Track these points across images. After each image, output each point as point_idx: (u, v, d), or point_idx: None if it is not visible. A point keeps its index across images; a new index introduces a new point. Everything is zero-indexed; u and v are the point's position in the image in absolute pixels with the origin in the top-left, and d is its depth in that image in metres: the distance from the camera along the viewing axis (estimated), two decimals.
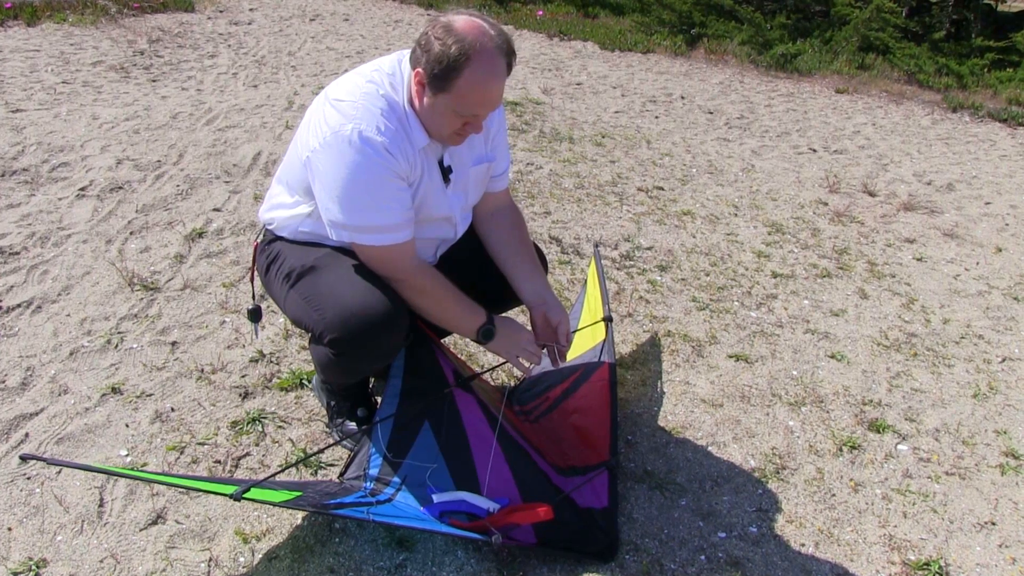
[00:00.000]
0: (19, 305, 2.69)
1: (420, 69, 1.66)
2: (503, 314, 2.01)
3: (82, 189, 3.67)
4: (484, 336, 1.88)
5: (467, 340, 2.68)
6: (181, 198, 3.68)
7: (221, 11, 8.98)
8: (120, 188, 3.72)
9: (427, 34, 1.64)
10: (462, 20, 1.63)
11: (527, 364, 1.94)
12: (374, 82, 1.73)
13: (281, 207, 1.92)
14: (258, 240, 2.04)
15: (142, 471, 1.98)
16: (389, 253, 1.76)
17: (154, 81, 5.74)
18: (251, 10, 9.26)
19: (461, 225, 1.98)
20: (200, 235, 3.32)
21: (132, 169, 3.96)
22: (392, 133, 1.69)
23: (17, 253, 3.04)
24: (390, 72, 1.75)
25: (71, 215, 3.41)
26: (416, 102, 1.71)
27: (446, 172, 1.85)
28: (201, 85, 5.74)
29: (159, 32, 7.43)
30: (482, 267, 2.04)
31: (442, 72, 1.62)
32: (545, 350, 2.01)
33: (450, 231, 1.96)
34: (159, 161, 4.10)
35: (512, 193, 4.06)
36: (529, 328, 1.98)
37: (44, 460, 1.55)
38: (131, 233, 3.29)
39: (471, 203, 1.99)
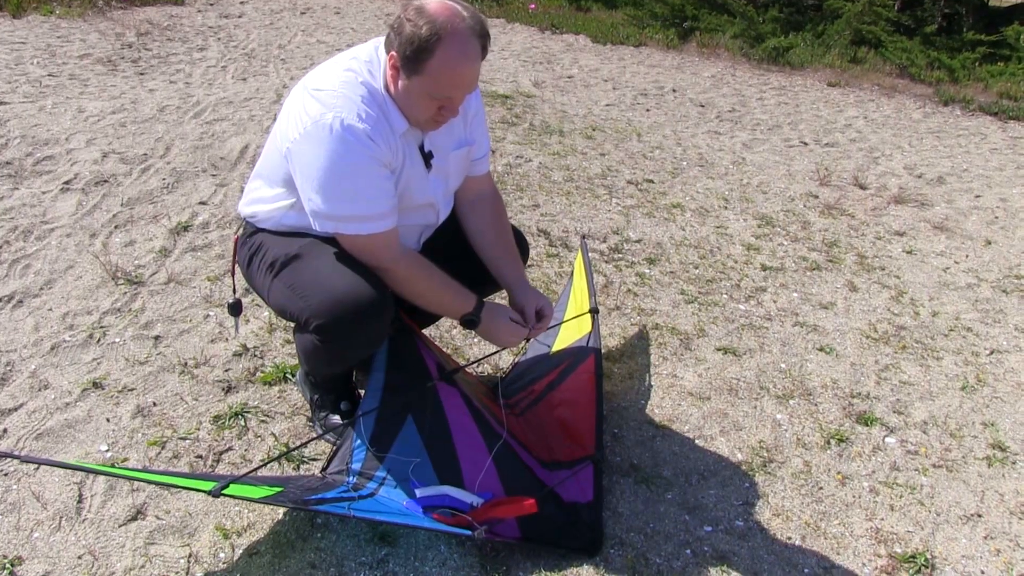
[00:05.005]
0: (0, 299, 2.66)
1: (394, 52, 1.64)
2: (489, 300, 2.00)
3: (67, 183, 3.63)
4: (467, 324, 1.88)
5: (452, 333, 2.67)
6: (167, 191, 3.65)
7: (211, 4, 8.91)
8: (105, 181, 3.69)
9: (399, 17, 1.63)
10: (435, 3, 1.61)
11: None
12: (352, 70, 1.71)
13: (261, 201, 1.90)
14: (238, 234, 2.02)
15: (120, 468, 1.95)
16: (374, 242, 1.74)
17: (142, 74, 5.69)
18: (242, 3, 9.19)
19: (444, 210, 1.97)
20: (185, 228, 3.29)
21: (118, 162, 3.92)
22: (374, 120, 1.67)
23: None
24: (367, 59, 1.73)
25: (55, 209, 3.38)
26: (392, 86, 1.70)
27: (427, 158, 1.83)
28: (189, 78, 5.69)
29: (148, 25, 7.37)
30: (464, 251, 2.03)
31: (414, 54, 1.60)
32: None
33: (433, 216, 1.95)
34: (145, 154, 4.06)
35: (501, 186, 4.04)
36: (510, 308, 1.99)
37: (18, 458, 1.52)
38: (115, 227, 3.26)
39: (452, 188, 1.98)
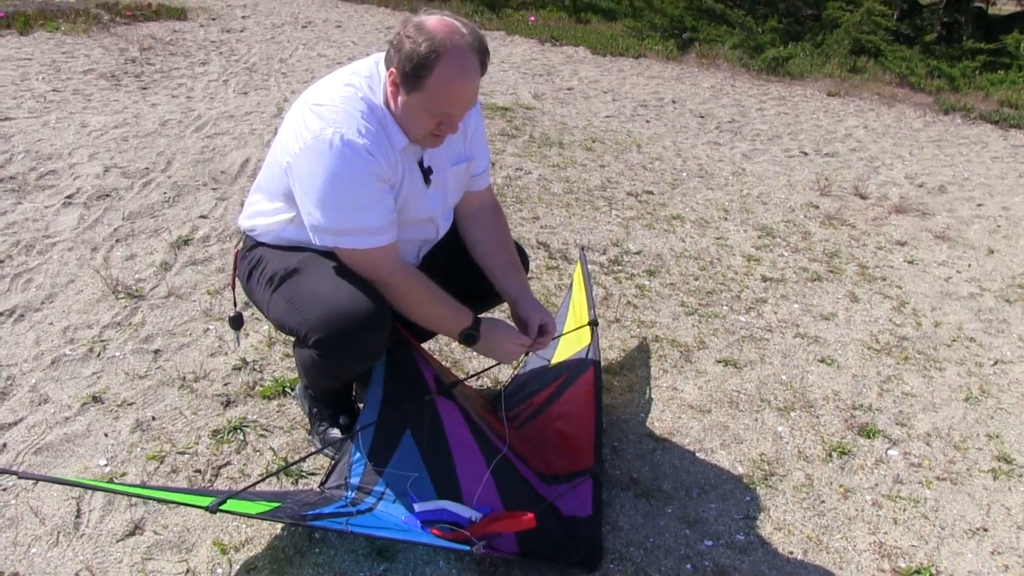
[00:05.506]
0: (1, 313, 2.66)
1: (393, 69, 1.65)
2: (487, 314, 2.00)
3: (69, 197, 3.65)
4: (466, 340, 1.87)
5: (451, 346, 2.66)
6: (168, 205, 3.65)
7: (213, 19, 8.98)
8: (107, 196, 3.70)
9: (399, 34, 1.63)
10: (434, 19, 1.61)
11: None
12: (353, 85, 1.71)
13: (261, 215, 1.91)
14: (238, 248, 2.02)
15: (118, 483, 1.95)
16: (373, 256, 1.74)
17: (144, 89, 5.72)
18: (243, 18, 9.25)
19: (443, 225, 1.97)
20: (186, 242, 3.30)
21: (119, 177, 3.94)
22: (373, 135, 1.68)
23: (1, 261, 3.01)
24: (368, 74, 1.74)
25: (57, 223, 3.39)
26: (391, 102, 1.70)
27: (426, 173, 1.83)
28: (191, 92, 5.72)
29: (151, 40, 7.42)
30: (464, 266, 2.03)
31: (413, 70, 1.61)
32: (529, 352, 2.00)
33: (432, 232, 1.95)
34: (147, 168, 4.07)
35: (500, 198, 4.04)
36: (513, 325, 1.98)
37: (16, 474, 1.51)
38: (117, 241, 3.27)
39: (452, 203, 1.98)
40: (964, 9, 9.16)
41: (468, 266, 2.04)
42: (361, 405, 1.98)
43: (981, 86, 7.91)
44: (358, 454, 1.84)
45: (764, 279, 3.50)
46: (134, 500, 1.90)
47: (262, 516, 1.58)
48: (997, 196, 5.00)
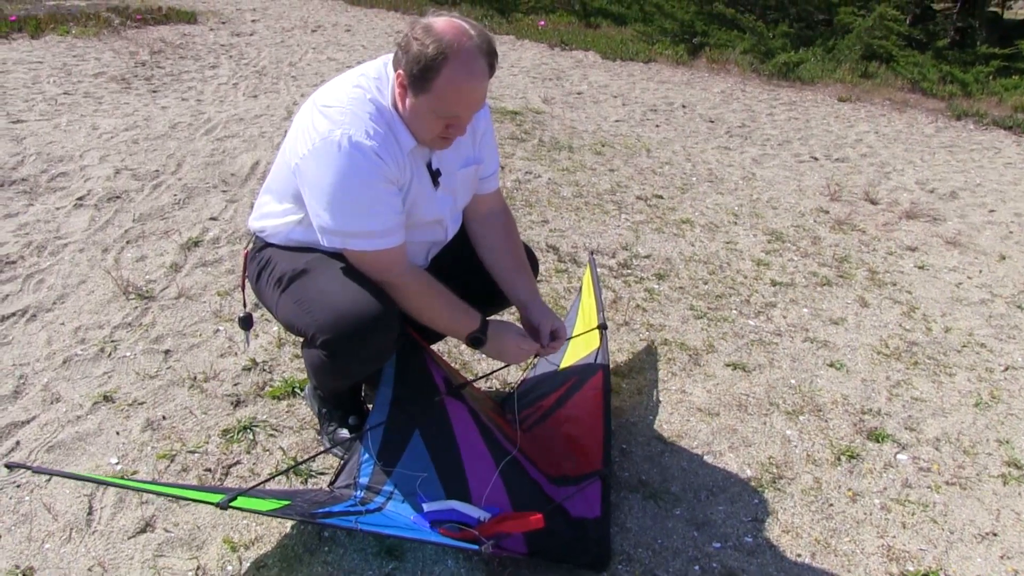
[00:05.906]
0: (14, 314, 2.68)
1: (401, 70, 1.65)
2: (495, 316, 2.00)
3: (80, 199, 3.67)
4: (473, 343, 1.87)
5: (460, 348, 2.67)
6: (178, 207, 3.68)
7: (223, 22, 9.03)
8: (118, 198, 3.72)
9: (407, 35, 1.64)
10: (442, 21, 1.62)
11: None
12: (361, 87, 1.72)
13: (270, 216, 1.92)
14: (248, 249, 2.03)
15: (130, 480, 1.96)
16: (381, 258, 1.75)
17: (155, 92, 5.76)
18: (253, 21, 9.31)
19: (452, 227, 1.97)
20: (196, 244, 3.32)
21: (130, 179, 3.96)
22: (381, 137, 1.68)
23: (13, 262, 3.04)
24: (376, 76, 1.74)
25: (68, 224, 3.41)
26: (399, 104, 1.71)
27: (434, 175, 1.84)
28: (201, 95, 5.75)
29: (161, 43, 7.47)
30: (472, 269, 2.04)
31: (420, 72, 1.61)
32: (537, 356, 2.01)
33: (441, 234, 1.95)
34: (157, 171, 4.10)
35: (510, 201, 4.05)
36: (521, 327, 1.99)
37: (30, 468, 1.53)
38: (127, 242, 3.29)
39: (461, 205, 1.99)
40: (978, 14, 9.12)
41: (475, 270, 2.05)
42: (370, 406, 1.99)
43: (995, 91, 7.87)
44: (367, 454, 1.85)
45: (773, 283, 3.50)
46: (145, 498, 1.91)
47: (272, 513, 1.59)
48: (1009, 202, 4.98)
